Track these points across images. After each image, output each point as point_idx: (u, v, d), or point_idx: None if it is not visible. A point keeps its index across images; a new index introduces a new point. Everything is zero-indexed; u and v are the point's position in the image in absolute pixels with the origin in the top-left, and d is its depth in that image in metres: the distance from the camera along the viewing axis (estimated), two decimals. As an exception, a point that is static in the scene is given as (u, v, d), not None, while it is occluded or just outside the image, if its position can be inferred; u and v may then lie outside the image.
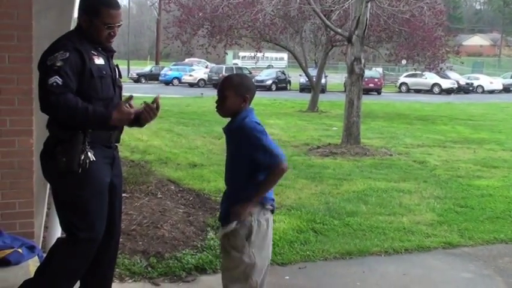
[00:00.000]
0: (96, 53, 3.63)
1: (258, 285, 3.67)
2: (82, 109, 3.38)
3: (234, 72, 46.56)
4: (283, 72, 49.34)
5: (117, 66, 3.91)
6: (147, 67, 57.27)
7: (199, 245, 5.98)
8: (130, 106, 3.62)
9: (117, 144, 3.90)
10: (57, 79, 3.36)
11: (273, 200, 3.78)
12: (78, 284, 3.89)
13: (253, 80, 43.05)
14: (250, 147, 3.51)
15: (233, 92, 3.63)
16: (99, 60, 3.63)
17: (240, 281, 3.64)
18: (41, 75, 3.45)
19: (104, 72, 3.64)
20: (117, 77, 3.86)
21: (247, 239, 3.60)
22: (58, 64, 3.39)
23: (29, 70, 4.74)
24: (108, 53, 3.79)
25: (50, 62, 3.41)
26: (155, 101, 3.78)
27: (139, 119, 3.76)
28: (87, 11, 3.64)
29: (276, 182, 3.62)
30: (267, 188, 3.61)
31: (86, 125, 3.44)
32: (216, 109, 3.71)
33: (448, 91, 45.03)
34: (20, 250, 4.56)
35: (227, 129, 3.73)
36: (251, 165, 3.55)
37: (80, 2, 3.74)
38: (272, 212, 3.77)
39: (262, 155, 3.49)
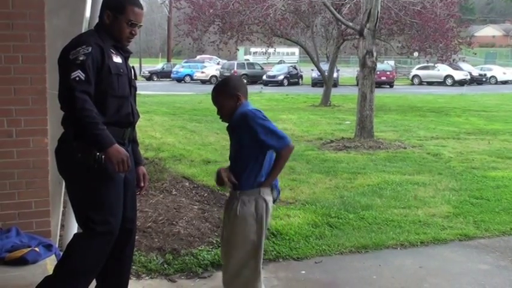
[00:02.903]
0: (114, 52, 3.69)
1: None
2: (93, 118, 3.39)
3: (246, 67, 46.78)
4: (295, 67, 49.14)
5: (133, 67, 3.97)
6: (159, 65, 57.37)
7: (214, 241, 5.99)
8: (144, 175, 4.04)
9: (134, 142, 4.01)
10: (79, 73, 3.40)
11: (278, 191, 3.91)
12: (94, 282, 3.91)
13: (265, 75, 43.22)
14: (255, 132, 3.63)
15: (225, 98, 3.78)
16: (117, 59, 3.69)
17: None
18: (63, 69, 3.47)
19: (121, 71, 3.69)
20: (133, 77, 3.90)
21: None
22: (81, 58, 3.43)
23: (42, 70, 4.77)
24: (126, 54, 3.84)
25: (72, 56, 3.45)
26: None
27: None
28: (112, 7, 3.72)
29: (285, 162, 3.77)
30: (278, 170, 3.78)
31: (86, 133, 3.42)
32: (220, 118, 3.87)
33: (461, 83, 44.71)
34: (37, 249, 4.59)
35: (229, 126, 3.86)
36: (257, 151, 3.70)
37: None
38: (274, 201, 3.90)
39: (270, 139, 3.64)
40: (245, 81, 40.29)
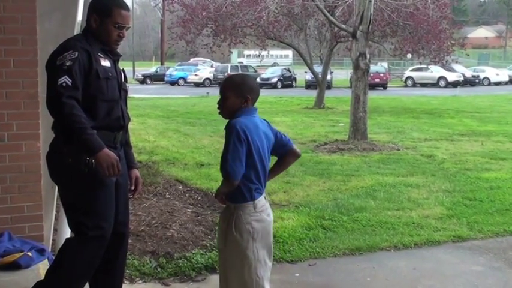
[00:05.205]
0: (102, 55, 3.67)
1: None
2: (82, 123, 3.38)
3: (240, 70, 46.68)
4: (288, 70, 49.18)
5: (123, 70, 3.94)
6: (153, 68, 57.24)
7: (208, 245, 5.99)
8: (137, 178, 3.99)
9: (127, 146, 4.00)
10: (66, 79, 3.38)
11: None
12: (87, 286, 3.90)
13: (258, 78, 43.04)
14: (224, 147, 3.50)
15: (234, 93, 3.59)
16: (106, 62, 3.66)
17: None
18: (50, 75, 3.47)
19: (110, 74, 3.67)
20: (123, 80, 3.88)
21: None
22: (67, 64, 3.42)
23: (34, 74, 4.75)
24: (115, 57, 3.81)
25: (59, 61, 3.43)
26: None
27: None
28: (98, 10, 3.69)
29: (225, 190, 3.56)
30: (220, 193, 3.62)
31: (75, 139, 3.41)
32: (218, 110, 3.70)
33: (454, 84, 44.76)
34: (29, 253, 4.57)
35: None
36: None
37: (91, 2, 3.79)
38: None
39: (223, 164, 3.48)
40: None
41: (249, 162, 3.50)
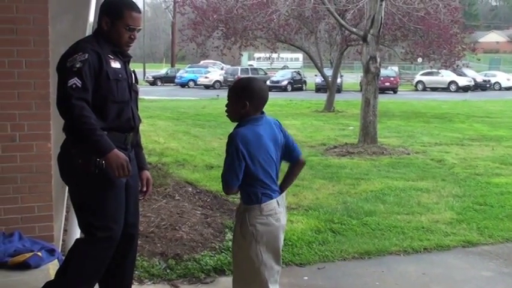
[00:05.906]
0: (113, 57, 3.68)
1: None
2: (91, 125, 3.39)
3: (250, 73, 46.70)
4: (298, 73, 49.22)
5: (133, 71, 3.95)
6: (163, 70, 57.42)
7: (217, 247, 5.98)
8: (148, 179, 4.02)
9: (138, 147, 4.01)
10: (76, 81, 3.39)
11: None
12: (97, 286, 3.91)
13: (268, 80, 42.92)
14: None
15: (234, 97, 3.58)
16: (116, 64, 3.67)
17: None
18: (61, 76, 3.48)
19: (120, 76, 3.68)
20: (134, 82, 3.89)
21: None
22: (77, 65, 3.43)
23: (46, 75, 4.78)
24: (125, 59, 3.82)
25: (69, 63, 3.45)
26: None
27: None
28: (109, 13, 3.70)
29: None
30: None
31: (85, 140, 3.42)
32: (225, 112, 3.70)
33: (465, 89, 44.70)
34: (39, 253, 4.59)
35: None
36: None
37: (102, 4, 3.80)
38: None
39: (222, 170, 3.53)
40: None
41: (251, 173, 3.52)
